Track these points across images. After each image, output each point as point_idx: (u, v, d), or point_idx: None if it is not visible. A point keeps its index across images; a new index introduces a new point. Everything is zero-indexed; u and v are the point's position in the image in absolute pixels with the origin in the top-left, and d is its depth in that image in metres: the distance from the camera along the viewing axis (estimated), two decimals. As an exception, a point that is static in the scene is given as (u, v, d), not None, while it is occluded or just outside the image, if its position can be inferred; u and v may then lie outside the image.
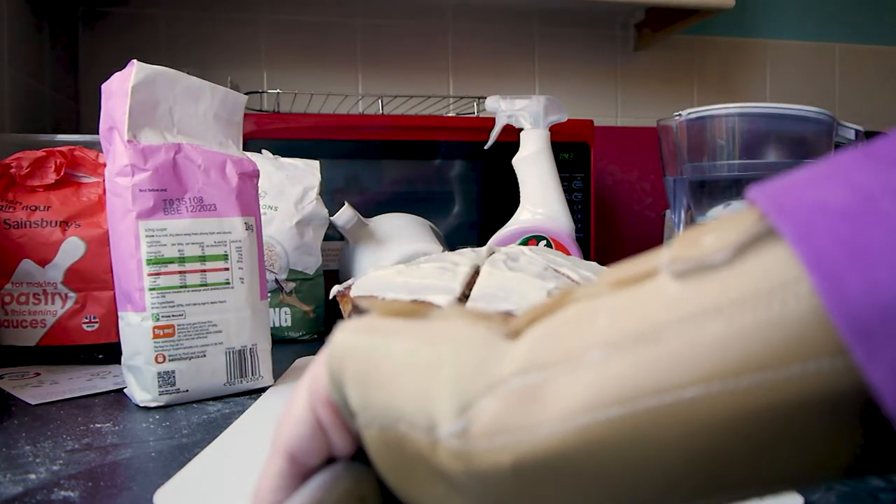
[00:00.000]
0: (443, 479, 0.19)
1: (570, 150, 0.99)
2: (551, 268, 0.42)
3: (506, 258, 0.43)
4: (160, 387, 0.49)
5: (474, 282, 0.41)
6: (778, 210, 0.16)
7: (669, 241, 0.19)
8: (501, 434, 0.18)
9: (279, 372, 0.57)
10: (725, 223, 0.18)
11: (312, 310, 0.77)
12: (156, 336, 0.49)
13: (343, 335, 0.22)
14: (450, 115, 1.11)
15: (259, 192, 0.56)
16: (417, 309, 0.22)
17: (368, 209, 0.84)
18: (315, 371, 0.23)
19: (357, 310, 0.43)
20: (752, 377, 0.16)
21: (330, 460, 0.23)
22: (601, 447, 0.17)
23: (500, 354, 0.19)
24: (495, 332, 0.20)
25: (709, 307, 0.16)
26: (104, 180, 0.51)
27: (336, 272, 0.87)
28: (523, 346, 0.19)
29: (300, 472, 0.23)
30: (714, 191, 0.83)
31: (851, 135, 0.86)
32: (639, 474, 0.17)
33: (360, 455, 0.22)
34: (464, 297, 0.39)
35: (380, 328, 0.21)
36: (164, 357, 0.49)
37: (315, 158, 0.80)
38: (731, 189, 0.82)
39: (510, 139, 0.76)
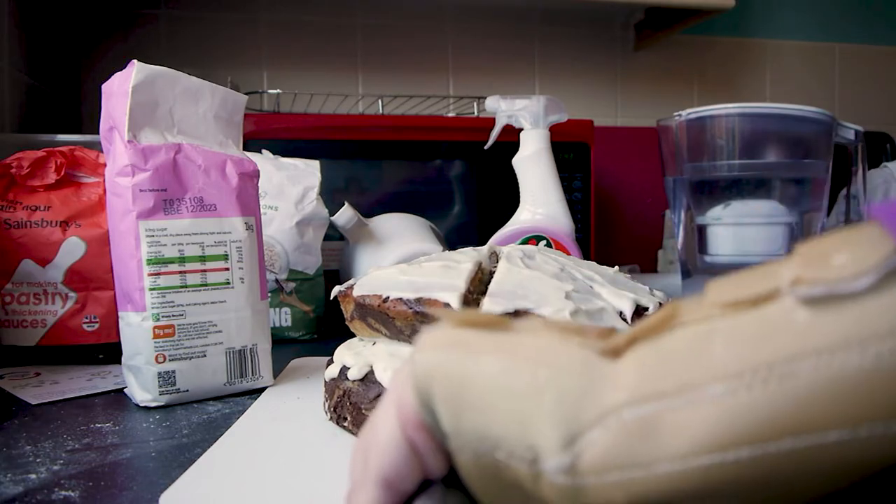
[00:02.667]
0: None
1: (570, 150, 0.99)
2: (567, 269, 0.42)
3: (522, 255, 0.43)
4: (160, 387, 0.49)
5: (478, 279, 0.41)
6: None
7: (785, 255, 0.17)
8: (614, 471, 0.16)
9: (279, 372, 0.57)
10: (853, 240, 0.16)
11: (312, 310, 0.77)
12: (156, 336, 0.49)
13: (427, 353, 0.20)
14: (450, 115, 1.11)
15: (259, 192, 0.56)
16: (498, 320, 0.21)
17: (368, 209, 0.84)
18: (401, 393, 0.21)
19: (359, 309, 0.43)
20: None
21: (421, 485, 0.22)
22: (724, 489, 0.15)
23: (604, 379, 0.18)
24: (592, 351, 0.19)
25: (851, 340, 0.15)
26: (104, 180, 0.51)
27: (336, 272, 0.87)
28: (630, 371, 0.18)
29: (396, 501, 0.21)
30: (714, 191, 0.83)
31: (851, 135, 0.86)
32: None
33: (451, 474, 0.21)
34: (469, 294, 0.39)
35: (464, 344, 0.20)
36: (165, 357, 0.49)
37: (315, 158, 0.80)
38: (731, 189, 0.82)
39: (510, 139, 0.75)
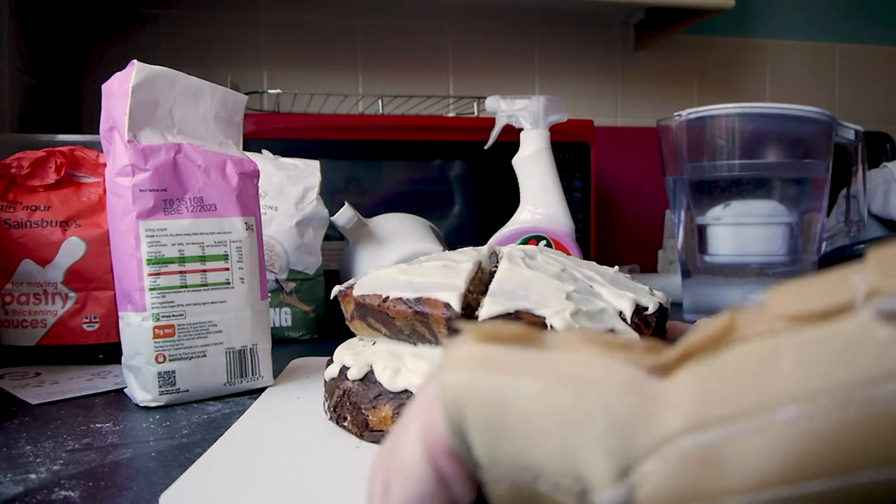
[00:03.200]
0: None
1: (570, 150, 0.99)
2: (568, 270, 0.42)
3: (524, 255, 0.43)
4: (160, 387, 0.49)
5: (478, 279, 0.41)
6: None
7: (856, 262, 0.16)
8: None
9: (279, 372, 0.57)
10: None
11: (312, 310, 0.77)
12: (156, 336, 0.49)
13: (456, 374, 0.18)
14: (450, 115, 1.11)
15: (259, 192, 0.56)
16: (527, 334, 0.19)
17: (368, 209, 0.84)
18: (427, 418, 0.19)
19: (359, 308, 0.43)
20: None
21: None
22: None
23: (657, 401, 0.16)
24: (638, 368, 0.17)
25: None
26: (104, 180, 0.51)
27: (336, 272, 0.87)
28: (686, 392, 0.16)
29: None
30: (714, 191, 0.83)
31: (851, 135, 0.86)
32: None
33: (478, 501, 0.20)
34: (468, 293, 0.39)
35: (497, 362, 0.18)
36: (165, 357, 0.49)
37: (315, 158, 0.80)
38: (731, 189, 0.82)
39: (510, 139, 0.75)
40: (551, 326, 0.35)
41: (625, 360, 0.17)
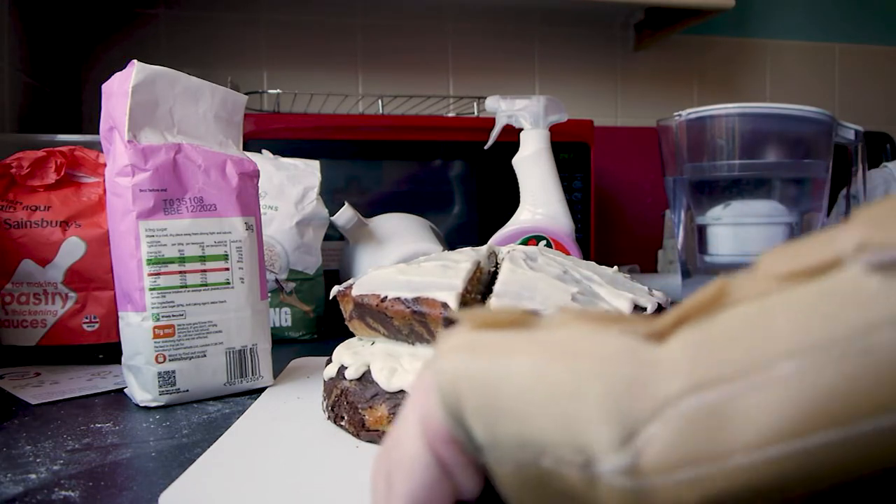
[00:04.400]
0: None
1: (570, 150, 0.99)
2: (569, 272, 0.42)
3: (525, 256, 0.43)
4: (160, 387, 0.49)
5: (476, 279, 0.41)
6: None
7: (844, 219, 0.16)
8: (684, 468, 0.15)
9: (279, 372, 0.58)
10: None
11: (312, 310, 0.77)
12: (156, 336, 0.49)
13: (450, 359, 0.18)
14: (450, 115, 1.11)
15: (259, 192, 0.57)
16: (521, 317, 0.19)
17: (368, 209, 0.84)
18: (424, 405, 0.19)
19: (358, 308, 0.43)
20: None
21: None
22: (804, 479, 0.14)
23: (654, 365, 0.16)
24: (632, 336, 0.17)
25: None
26: (104, 180, 0.51)
27: (336, 272, 0.87)
28: (683, 355, 0.16)
29: None
30: (714, 191, 0.83)
31: (851, 135, 0.86)
32: (848, 499, 0.15)
33: (486, 492, 0.19)
34: (466, 293, 0.39)
35: (489, 345, 0.18)
36: (165, 357, 0.49)
37: (315, 158, 0.80)
38: (731, 189, 0.82)
39: (510, 139, 0.76)
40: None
41: (618, 330, 0.17)
